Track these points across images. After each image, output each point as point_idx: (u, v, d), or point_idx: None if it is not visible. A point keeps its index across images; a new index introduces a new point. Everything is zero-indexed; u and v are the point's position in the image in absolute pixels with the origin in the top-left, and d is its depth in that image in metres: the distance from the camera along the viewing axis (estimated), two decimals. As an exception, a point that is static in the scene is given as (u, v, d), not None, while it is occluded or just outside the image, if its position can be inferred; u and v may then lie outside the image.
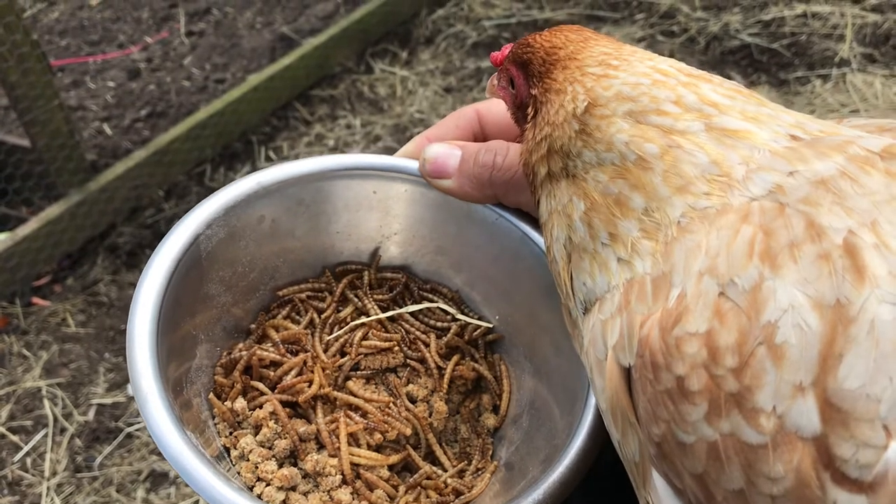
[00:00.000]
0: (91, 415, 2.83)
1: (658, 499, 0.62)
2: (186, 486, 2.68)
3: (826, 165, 0.60)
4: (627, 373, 0.62)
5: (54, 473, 2.67)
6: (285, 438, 0.88)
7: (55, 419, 2.82)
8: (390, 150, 0.97)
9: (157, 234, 3.41)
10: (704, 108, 0.65)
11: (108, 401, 2.86)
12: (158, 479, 2.66)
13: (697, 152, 0.63)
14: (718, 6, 4.39)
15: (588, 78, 0.70)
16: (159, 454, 2.69)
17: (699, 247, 0.59)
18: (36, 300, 3.24)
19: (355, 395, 0.93)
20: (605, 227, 0.66)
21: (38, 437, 2.77)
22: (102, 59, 4.48)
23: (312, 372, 0.93)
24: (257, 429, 0.89)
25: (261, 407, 0.90)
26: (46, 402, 2.86)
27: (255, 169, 3.76)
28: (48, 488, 2.63)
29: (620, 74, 0.69)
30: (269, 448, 0.88)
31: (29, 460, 2.71)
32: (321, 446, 0.90)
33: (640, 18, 4.37)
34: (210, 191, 3.52)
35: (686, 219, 0.62)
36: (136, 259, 3.36)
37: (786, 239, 0.56)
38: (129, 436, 2.77)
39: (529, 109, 0.77)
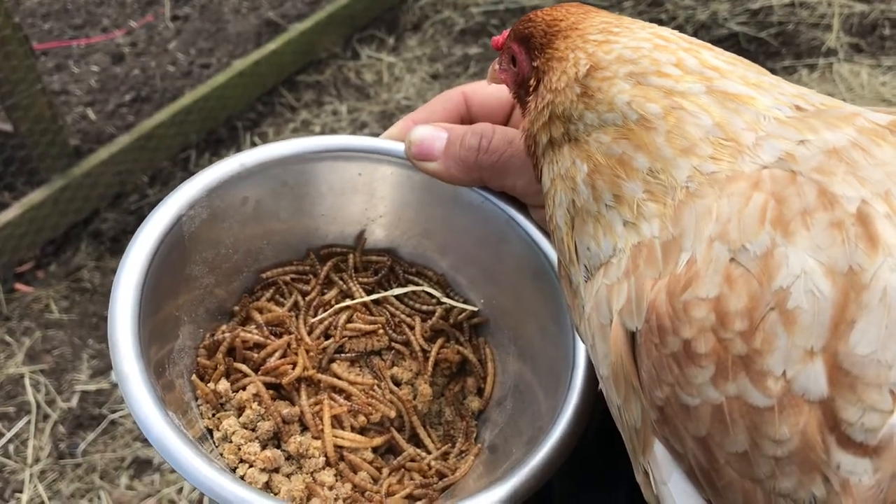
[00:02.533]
0: (74, 401, 2.81)
1: (657, 464, 0.62)
2: (171, 472, 2.67)
3: (837, 136, 0.60)
4: (632, 337, 0.62)
5: (37, 460, 2.66)
6: (268, 420, 0.87)
7: (38, 406, 2.80)
8: (376, 137, 0.97)
9: (142, 220, 3.34)
10: (705, 71, 0.66)
11: (91, 387, 2.85)
12: (142, 465, 2.65)
13: (701, 114, 0.63)
14: (706, -5, 4.39)
15: (590, 44, 0.70)
16: (143, 441, 2.68)
17: (710, 212, 0.59)
18: (19, 286, 3.21)
19: (339, 378, 0.93)
20: (609, 189, 0.66)
21: (20, 423, 2.75)
22: (86, 43, 4.43)
23: (296, 354, 0.93)
24: (240, 410, 0.88)
25: (244, 389, 0.90)
26: (29, 389, 2.84)
27: (240, 155, 3.73)
28: (31, 475, 2.61)
29: (622, 39, 0.69)
30: (253, 430, 0.87)
31: (11, 447, 2.69)
32: (305, 428, 0.89)
33: (629, 6, 4.36)
34: (195, 177, 3.49)
35: (694, 183, 0.62)
36: (120, 245, 3.34)
37: (798, 206, 0.56)
38: (113, 422, 2.75)
39: (532, 82, 0.77)
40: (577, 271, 0.71)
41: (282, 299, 0.99)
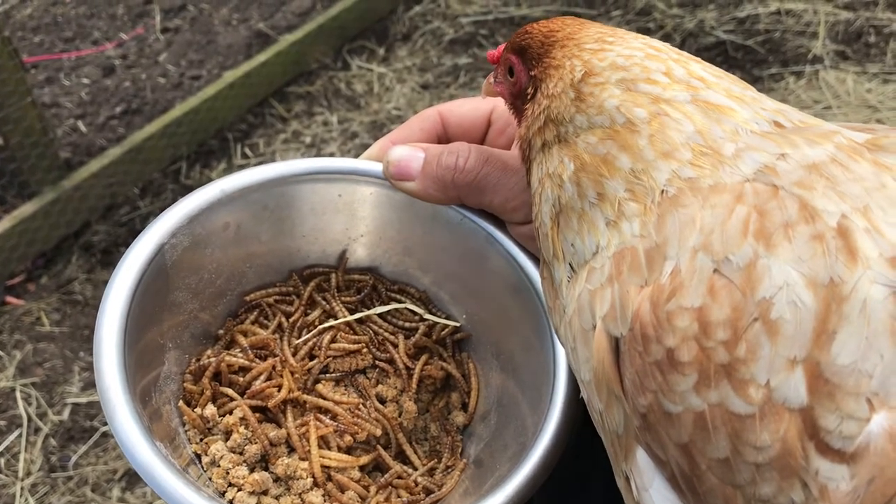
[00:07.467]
0: (66, 414, 2.81)
1: (639, 471, 0.63)
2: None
3: (816, 152, 0.61)
4: (615, 344, 0.63)
5: (28, 474, 2.65)
6: (256, 443, 0.88)
7: (29, 419, 2.80)
8: (367, 148, 0.98)
9: (132, 232, 3.38)
10: (692, 81, 0.68)
11: (82, 400, 2.85)
12: (134, 477, 2.64)
13: (684, 121, 0.65)
14: (694, 3, 4.42)
15: (585, 52, 0.73)
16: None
17: (693, 222, 0.61)
18: (10, 299, 3.21)
19: (325, 398, 0.94)
20: (593, 187, 0.68)
21: (11, 437, 2.75)
22: (77, 55, 4.43)
23: (281, 376, 0.93)
24: (228, 435, 0.89)
25: (231, 413, 0.90)
26: (20, 402, 2.83)
27: (230, 166, 3.74)
28: (22, 488, 2.61)
29: (615, 48, 0.72)
30: (240, 453, 0.88)
31: (2, 461, 2.69)
32: (292, 450, 0.90)
33: (617, 15, 4.39)
34: (185, 189, 3.50)
35: (673, 187, 0.63)
36: (111, 257, 3.34)
37: (780, 219, 0.57)
38: (105, 435, 2.75)
39: (529, 90, 0.79)
40: (560, 268, 0.73)
41: (266, 321, 1.00)
